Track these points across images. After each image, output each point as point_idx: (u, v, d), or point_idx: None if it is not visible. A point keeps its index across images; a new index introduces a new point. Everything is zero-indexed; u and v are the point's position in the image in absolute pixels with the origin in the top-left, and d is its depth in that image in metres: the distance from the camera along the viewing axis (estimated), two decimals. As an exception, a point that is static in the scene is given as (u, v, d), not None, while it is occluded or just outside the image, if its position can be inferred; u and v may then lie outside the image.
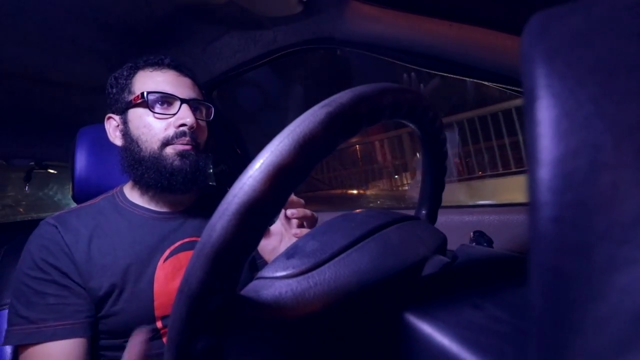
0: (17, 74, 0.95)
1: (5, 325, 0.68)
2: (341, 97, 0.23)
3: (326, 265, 0.26)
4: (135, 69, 0.66)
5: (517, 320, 0.22)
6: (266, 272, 0.27)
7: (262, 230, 0.21)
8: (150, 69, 0.65)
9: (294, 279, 0.25)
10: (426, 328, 0.23)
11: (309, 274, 0.26)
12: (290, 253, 0.28)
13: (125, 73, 0.66)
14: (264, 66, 0.99)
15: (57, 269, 0.56)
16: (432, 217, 0.44)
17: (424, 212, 0.43)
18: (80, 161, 0.76)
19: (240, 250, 0.20)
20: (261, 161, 0.20)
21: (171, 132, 0.62)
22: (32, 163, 1.65)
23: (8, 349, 0.68)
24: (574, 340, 0.11)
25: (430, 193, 0.42)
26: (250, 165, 0.20)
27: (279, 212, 0.21)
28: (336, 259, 0.27)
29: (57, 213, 0.63)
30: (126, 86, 0.65)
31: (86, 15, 0.77)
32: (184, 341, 0.21)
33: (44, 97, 1.10)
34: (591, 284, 0.11)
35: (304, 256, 0.27)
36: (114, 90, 0.66)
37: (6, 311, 0.69)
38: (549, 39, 0.13)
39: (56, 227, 0.59)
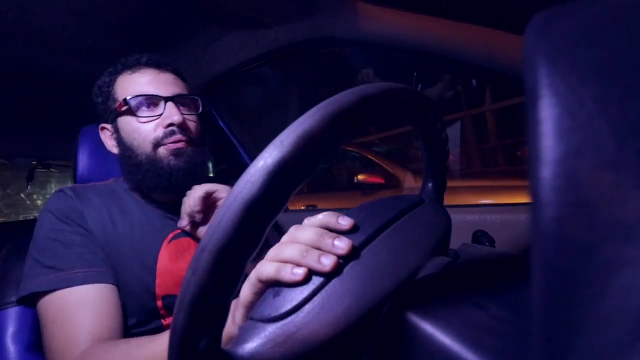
0: (19, 73, 0.95)
1: (7, 325, 0.68)
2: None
3: (310, 303, 0.25)
4: (114, 74, 0.64)
5: (519, 320, 0.22)
6: (256, 313, 0.26)
7: (231, 291, 0.21)
8: (129, 72, 0.63)
9: (281, 322, 0.25)
10: (428, 327, 0.23)
11: (294, 315, 0.25)
12: (277, 290, 0.27)
13: (106, 80, 0.65)
14: (266, 65, 0.99)
15: (79, 225, 0.58)
16: (439, 190, 0.42)
17: (430, 185, 0.42)
18: (82, 160, 0.76)
19: (210, 325, 0.21)
20: (206, 242, 0.20)
21: (160, 132, 0.61)
22: (35, 162, 1.66)
23: (11, 348, 0.68)
24: (576, 340, 0.11)
25: (434, 165, 0.41)
26: (204, 239, 0.20)
27: (237, 283, 0.22)
28: (320, 293, 0.26)
29: (70, 185, 0.64)
30: (109, 94, 0.64)
31: (89, 15, 0.77)
32: None
33: (46, 96, 1.10)
34: (594, 284, 0.11)
35: (289, 292, 0.26)
36: (100, 100, 0.65)
37: (7, 311, 0.69)
38: (551, 38, 0.13)
39: (72, 197, 0.61)
